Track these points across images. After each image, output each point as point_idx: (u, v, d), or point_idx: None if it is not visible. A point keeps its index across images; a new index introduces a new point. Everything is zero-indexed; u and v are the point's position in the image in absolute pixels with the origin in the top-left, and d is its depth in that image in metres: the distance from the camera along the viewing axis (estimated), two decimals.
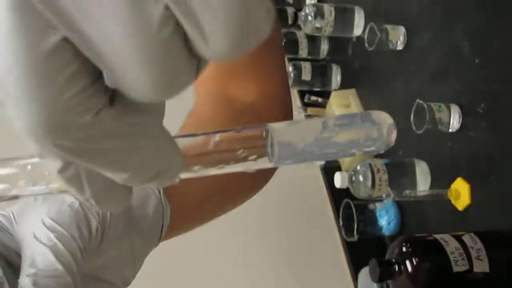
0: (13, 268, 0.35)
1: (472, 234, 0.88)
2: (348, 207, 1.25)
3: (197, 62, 0.18)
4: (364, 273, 1.23)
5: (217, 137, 0.25)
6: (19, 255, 0.34)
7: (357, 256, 1.36)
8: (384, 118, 0.26)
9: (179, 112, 0.48)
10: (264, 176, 0.55)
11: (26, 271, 0.32)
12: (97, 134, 0.19)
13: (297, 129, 0.25)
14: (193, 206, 0.47)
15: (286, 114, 0.56)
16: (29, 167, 0.24)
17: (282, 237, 1.55)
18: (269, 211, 1.59)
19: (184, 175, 0.25)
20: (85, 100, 0.18)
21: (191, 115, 0.51)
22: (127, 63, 0.17)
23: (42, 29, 0.17)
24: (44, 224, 0.34)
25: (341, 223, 1.28)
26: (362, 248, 1.31)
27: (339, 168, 1.44)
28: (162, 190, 0.42)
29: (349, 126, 0.25)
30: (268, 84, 0.54)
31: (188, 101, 0.50)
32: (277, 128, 0.25)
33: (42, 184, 0.25)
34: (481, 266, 0.84)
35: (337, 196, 1.44)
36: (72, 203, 0.35)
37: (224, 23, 0.16)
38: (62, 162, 0.20)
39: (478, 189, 0.98)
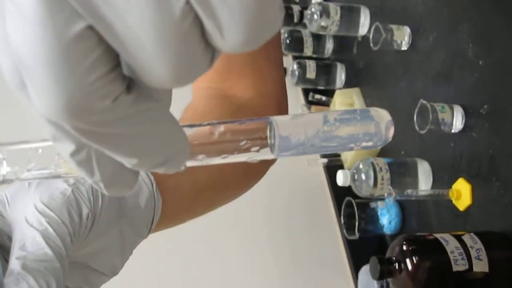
0: (4, 250, 0.35)
1: (472, 234, 0.89)
2: (350, 205, 1.25)
3: (212, 53, 0.20)
4: (365, 271, 1.24)
5: (222, 127, 0.26)
6: (10, 238, 0.35)
7: (357, 254, 1.36)
8: (382, 115, 0.27)
9: (174, 108, 0.49)
10: (257, 173, 0.55)
11: (16, 253, 0.33)
12: (114, 118, 0.20)
13: (299, 122, 0.26)
14: (185, 200, 0.48)
15: (282, 113, 0.56)
16: (40, 150, 0.25)
17: (284, 234, 1.56)
18: (271, 208, 1.60)
19: (189, 163, 0.26)
20: (106, 85, 0.19)
21: (187, 111, 0.52)
22: (148, 51, 0.18)
23: (68, 17, 0.18)
24: (36, 208, 0.34)
25: (342, 221, 1.29)
26: (363, 246, 1.32)
27: (341, 167, 1.45)
28: (154, 183, 0.42)
29: (349, 121, 0.26)
30: (264, 83, 0.55)
31: (185, 98, 0.51)
32: (280, 120, 0.26)
33: (51, 168, 0.25)
34: (481, 266, 0.85)
35: (339, 194, 1.45)
36: (65, 189, 0.36)
37: (240, 19, 0.18)
38: (75, 146, 0.21)
39: (479, 190, 0.98)
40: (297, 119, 0.26)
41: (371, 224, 1.25)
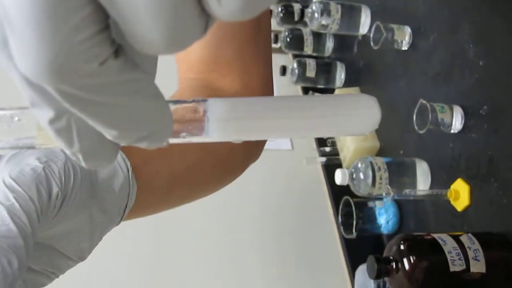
0: None
1: (470, 234, 0.89)
2: (348, 205, 1.25)
3: (206, 20, 0.19)
4: (361, 270, 1.24)
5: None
6: None
7: (354, 254, 1.37)
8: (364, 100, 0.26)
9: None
10: (236, 169, 0.55)
11: None
12: (100, 84, 0.19)
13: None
14: (161, 190, 0.46)
15: None
16: (16, 118, 0.24)
17: (280, 232, 1.56)
18: (268, 206, 1.60)
19: (172, 140, 0.25)
20: (94, 46, 0.18)
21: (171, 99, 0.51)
22: (141, 13, 0.17)
23: None
24: (4, 182, 0.33)
25: (340, 220, 1.29)
26: (360, 246, 1.32)
27: (340, 165, 1.45)
28: (131, 169, 0.41)
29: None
30: (251, 78, 0.54)
31: (171, 88, 0.51)
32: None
33: (26, 137, 0.24)
34: (478, 266, 0.85)
35: (337, 193, 1.45)
36: (36, 166, 0.34)
37: None
38: (54, 112, 0.20)
39: (478, 191, 0.98)
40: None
41: (368, 224, 1.25)
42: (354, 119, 0.25)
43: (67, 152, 0.22)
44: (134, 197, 0.41)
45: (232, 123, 0.24)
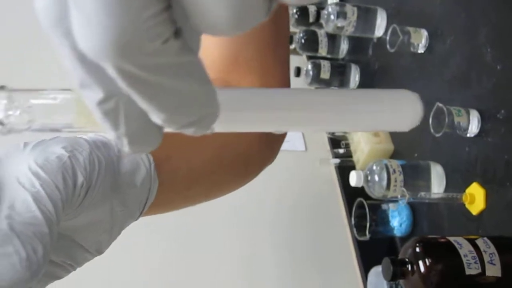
0: None
1: (485, 238, 0.89)
2: (361, 206, 1.26)
3: (269, 3, 0.19)
4: (374, 272, 1.24)
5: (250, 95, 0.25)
6: None
7: (367, 255, 1.37)
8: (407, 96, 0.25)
9: None
10: (253, 168, 0.55)
11: (4, 211, 0.30)
12: (161, 64, 0.19)
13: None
14: (180, 186, 0.46)
15: None
16: (58, 100, 0.24)
17: (294, 233, 1.57)
18: (281, 206, 1.61)
19: (217, 127, 0.24)
20: (158, 25, 0.18)
21: None
22: None
23: None
24: (30, 169, 0.32)
25: (353, 222, 1.29)
26: (373, 248, 1.32)
27: (353, 167, 1.45)
28: (153, 164, 0.40)
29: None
30: (270, 79, 0.54)
31: None
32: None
33: (67, 119, 0.24)
34: (493, 270, 0.85)
35: (350, 195, 1.45)
36: (62, 155, 0.33)
37: None
38: (104, 93, 0.20)
39: (494, 195, 0.98)
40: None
41: (381, 226, 1.25)
42: (397, 116, 0.25)
43: (112, 135, 0.22)
44: (155, 192, 0.41)
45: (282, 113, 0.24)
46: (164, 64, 0.19)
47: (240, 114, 0.24)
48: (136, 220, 0.41)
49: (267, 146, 0.56)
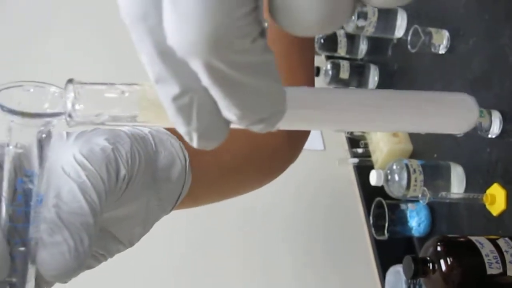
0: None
1: (507, 238, 0.89)
2: (380, 206, 1.26)
3: (355, 4, 0.20)
4: (392, 272, 1.24)
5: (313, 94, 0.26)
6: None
7: (385, 255, 1.37)
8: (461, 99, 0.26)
9: None
10: (279, 167, 0.56)
11: (52, 201, 0.31)
12: (247, 62, 0.20)
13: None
14: (209, 181, 0.46)
15: None
16: (127, 94, 0.24)
17: (312, 232, 1.57)
18: (300, 206, 1.61)
19: (282, 124, 0.25)
20: (249, 24, 0.19)
21: None
22: None
23: None
24: (75, 159, 0.32)
25: (371, 221, 1.30)
26: (391, 247, 1.33)
27: (372, 167, 1.45)
28: (188, 159, 0.40)
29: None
30: (296, 79, 0.55)
31: None
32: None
33: (132, 113, 0.25)
34: None
35: (368, 195, 1.46)
36: (105, 147, 0.34)
37: None
38: (180, 89, 0.21)
39: None
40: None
41: (399, 226, 1.25)
42: (456, 118, 0.25)
43: (182, 130, 0.22)
44: (188, 187, 0.41)
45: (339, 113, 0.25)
46: (250, 62, 0.20)
47: (305, 112, 0.25)
48: (167, 214, 0.41)
49: (293, 145, 0.57)
